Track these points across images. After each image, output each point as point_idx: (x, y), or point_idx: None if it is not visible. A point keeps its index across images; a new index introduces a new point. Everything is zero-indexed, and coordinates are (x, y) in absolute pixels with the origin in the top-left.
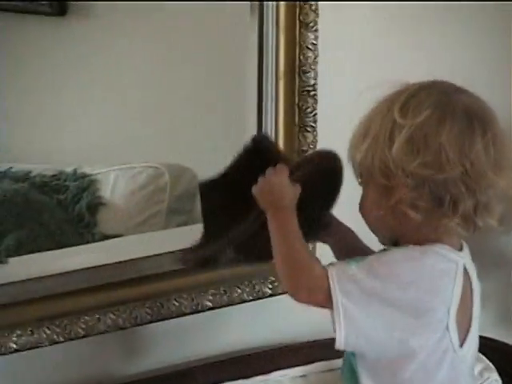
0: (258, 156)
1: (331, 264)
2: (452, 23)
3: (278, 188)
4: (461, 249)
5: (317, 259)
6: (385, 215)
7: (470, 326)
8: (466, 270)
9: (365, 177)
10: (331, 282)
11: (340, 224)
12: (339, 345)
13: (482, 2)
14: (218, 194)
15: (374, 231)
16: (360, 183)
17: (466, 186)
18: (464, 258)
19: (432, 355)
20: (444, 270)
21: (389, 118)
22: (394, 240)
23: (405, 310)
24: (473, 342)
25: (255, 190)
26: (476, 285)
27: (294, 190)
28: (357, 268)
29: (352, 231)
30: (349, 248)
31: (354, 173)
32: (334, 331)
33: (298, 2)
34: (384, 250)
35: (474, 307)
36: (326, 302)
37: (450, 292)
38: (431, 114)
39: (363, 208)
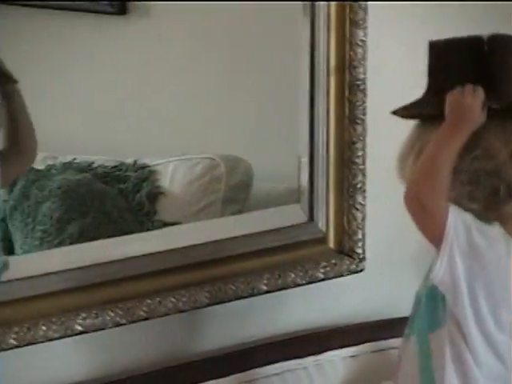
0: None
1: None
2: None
3: (468, 111)
4: None
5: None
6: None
7: None
8: None
9: None
10: (451, 216)
11: None
12: (435, 277)
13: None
14: (446, 56)
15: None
16: None
17: None
18: None
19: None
20: None
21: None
22: None
23: (491, 276)
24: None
25: (450, 97)
26: None
27: (480, 118)
28: (470, 217)
29: None
30: None
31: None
32: (435, 262)
33: (347, 2)
34: None
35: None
36: (431, 228)
37: None
38: None
39: None
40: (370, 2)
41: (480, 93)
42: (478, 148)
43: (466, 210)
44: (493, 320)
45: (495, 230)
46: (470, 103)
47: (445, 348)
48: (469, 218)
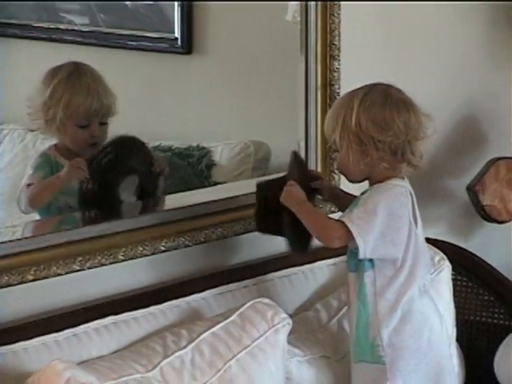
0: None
1: (342, 216)
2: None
3: (294, 194)
4: (403, 179)
5: (331, 218)
6: (363, 167)
7: (417, 219)
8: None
9: (344, 148)
10: (349, 226)
11: (328, 185)
12: (362, 256)
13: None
14: (267, 190)
15: (352, 179)
16: (337, 153)
17: (409, 143)
18: (407, 184)
19: (408, 236)
20: (402, 192)
21: (352, 108)
22: (364, 180)
23: (391, 221)
24: (420, 226)
25: (282, 198)
26: (415, 198)
27: (301, 192)
28: (357, 210)
29: (337, 187)
30: (339, 196)
31: (333, 146)
32: (358, 250)
33: (328, 43)
34: (362, 193)
35: (416, 210)
36: (350, 239)
37: (409, 203)
38: (383, 105)
39: (347, 166)
40: (342, 42)
41: (292, 183)
42: (389, 129)
43: (378, 167)
44: (407, 241)
45: (372, 203)
46: (291, 190)
47: (375, 280)
48: (355, 212)
